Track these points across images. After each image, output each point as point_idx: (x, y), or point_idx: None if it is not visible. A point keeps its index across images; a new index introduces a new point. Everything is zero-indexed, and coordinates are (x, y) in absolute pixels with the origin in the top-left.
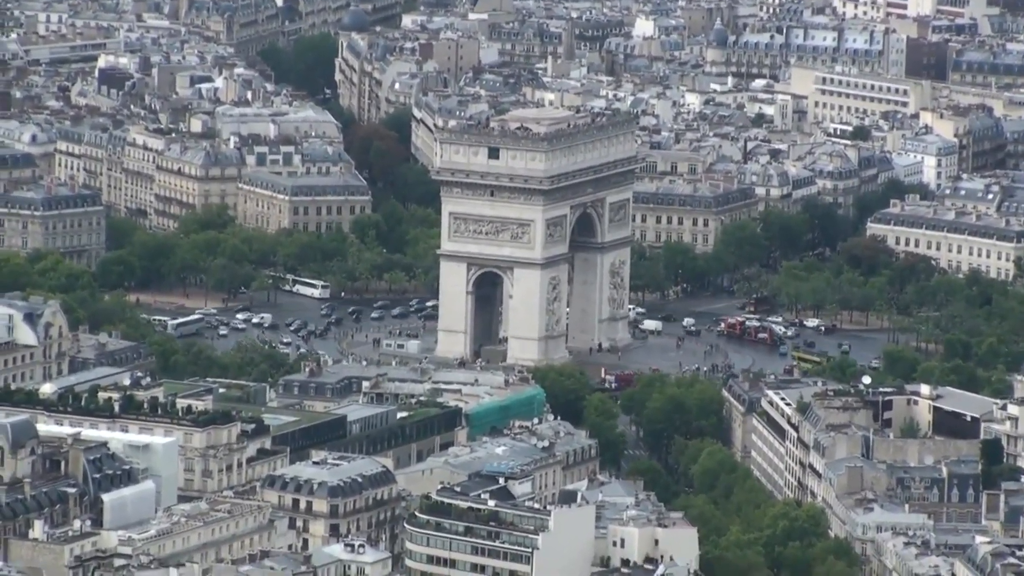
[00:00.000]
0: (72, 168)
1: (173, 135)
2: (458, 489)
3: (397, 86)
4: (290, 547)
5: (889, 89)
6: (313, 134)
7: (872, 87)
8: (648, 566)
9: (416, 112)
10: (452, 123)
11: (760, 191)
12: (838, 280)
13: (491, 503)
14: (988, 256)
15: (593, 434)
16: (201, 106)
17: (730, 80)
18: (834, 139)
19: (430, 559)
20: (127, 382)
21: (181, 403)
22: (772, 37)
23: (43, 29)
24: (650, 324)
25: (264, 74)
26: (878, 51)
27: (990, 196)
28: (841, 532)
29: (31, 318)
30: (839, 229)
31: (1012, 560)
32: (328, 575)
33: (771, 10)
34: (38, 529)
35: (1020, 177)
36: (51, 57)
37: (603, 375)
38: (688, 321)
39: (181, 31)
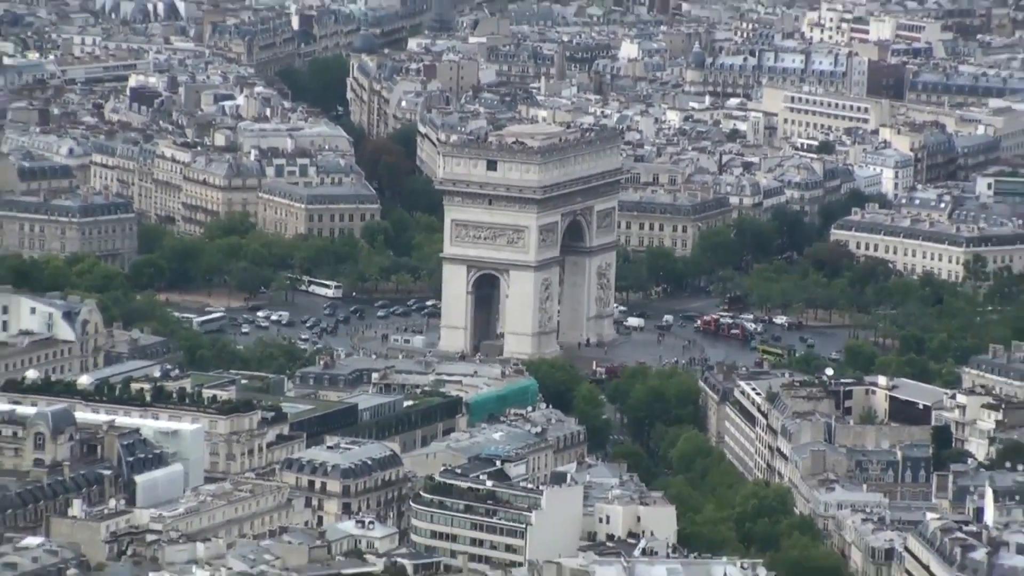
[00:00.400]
0: (106, 179)
1: (198, 148)
2: (459, 471)
3: (403, 104)
4: (306, 524)
5: (851, 107)
6: (327, 148)
7: (836, 105)
8: (631, 540)
9: (421, 128)
10: (453, 138)
11: (734, 200)
12: (804, 281)
13: (489, 483)
14: (940, 260)
15: (581, 421)
16: (224, 122)
17: (707, 99)
18: (801, 153)
19: (433, 534)
20: (157, 374)
21: (207, 393)
22: (745, 59)
23: (79, 51)
24: (633, 321)
25: (282, 92)
26: (842, 72)
27: (942, 205)
28: (805, 509)
29: (69, 316)
30: (805, 235)
31: (959, 534)
32: (341, 549)
33: (745, 35)
34: (76, 508)
35: (969, 188)
36: (86, 77)
37: (595, 367)
38: (668, 318)
39: (205, 53)
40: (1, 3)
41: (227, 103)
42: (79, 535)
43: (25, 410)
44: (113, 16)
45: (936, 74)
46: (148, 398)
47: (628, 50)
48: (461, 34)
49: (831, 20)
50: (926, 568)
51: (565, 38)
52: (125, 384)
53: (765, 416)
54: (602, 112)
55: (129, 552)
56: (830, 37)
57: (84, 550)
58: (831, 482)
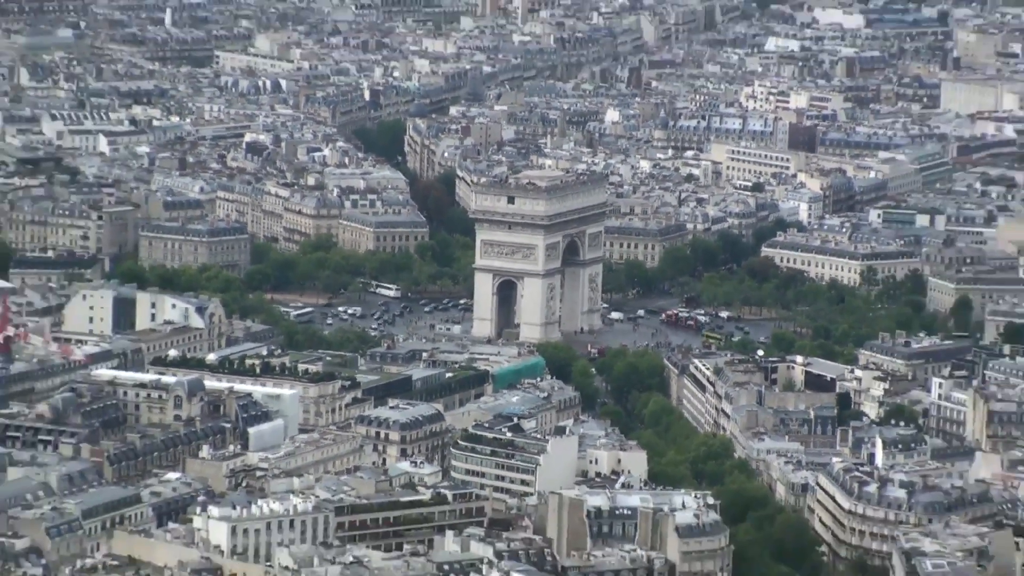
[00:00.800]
0: (227, 209)
1: (295, 187)
2: (486, 425)
3: (446, 154)
4: (373, 464)
5: (777, 158)
6: (389, 187)
7: (765, 156)
8: (613, 476)
9: (459, 172)
10: (482, 180)
11: (689, 226)
12: (741, 286)
13: (508, 434)
14: (842, 270)
15: (577, 388)
16: (314, 168)
17: (669, 151)
18: (739, 191)
19: (467, 472)
20: (264, 353)
21: (300, 367)
22: (698, 122)
23: (208, 115)
24: (615, 315)
25: (356, 146)
26: (770, 132)
27: (843, 229)
28: (742, 454)
29: (200, 310)
30: (742, 252)
31: (856, 473)
32: (398, 483)
33: (697, 104)
34: (205, 451)
35: (864, 217)
36: (213, 134)
37: (589, 349)
38: (640, 313)
39: (300, 117)
40: (150, 80)
41: (316, 154)
42: (207, 471)
43: (168, 379)
44: (233, 90)
45: (839, 133)
46: (258, 370)
47: (611, 115)
48: (489, 104)
49: (762, 93)
50: (832, 498)
51: (565, 106)
52: (241, 360)
53: (712, 385)
54: (592, 161)
55: (244, 484)
56: (761, 106)
57: (210, 482)
58: (761, 434)
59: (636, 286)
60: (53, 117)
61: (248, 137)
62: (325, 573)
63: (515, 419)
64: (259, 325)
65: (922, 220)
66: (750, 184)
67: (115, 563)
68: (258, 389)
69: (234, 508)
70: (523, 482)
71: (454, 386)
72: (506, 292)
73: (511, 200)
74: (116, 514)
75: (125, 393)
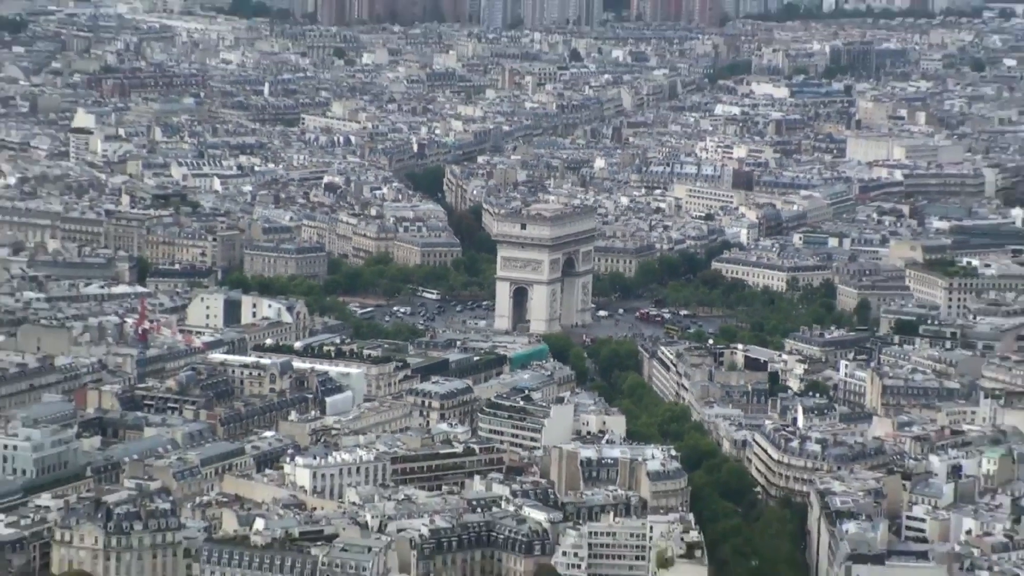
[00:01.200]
0: (310, 233)
1: (361, 216)
2: (505, 396)
3: (475, 192)
4: (419, 425)
5: (723, 195)
6: (432, 217)
7: (715, 194)
8: (600, 434)
9: (484, 205)
10: (502, 211)
11: (658, 246)
12: (697, 291)
13: (521, 403)
14: (772, 279)
15: (572, 368)
16: (375, 202)
17: (643, 190)
18: (695, 220)
19: (490, 431)
20: (337, 341)
21: (364, 352)
22: (664, 168)
23: (295, 163)
24: (601, 313)
25: (407, 186)
26: (718, 175)
27: (773, 249)
28: (697, 418)
29: (289, 309)
30: (698, 266)
31: (783, 432)
32: (439, 440)
33: (664, 154)
34: (292, 415)
35: (789, 240)
36: (299, 177)
37: (583, 338)
38: (620, 311)
39: (365, 164)
40: (252, 136)
41: (376, 191)
42: (294, 431)
43: (264, 361)
44: (315, 143)
45: (770, 176)
46: (332, 354)
47: (599, 163)
48: (507, 154)
49: (712, 146)
50: (764, 451)
51: (564, 156)
52: (320, 347)
53: (675, 366)
54: (584, 197)
55: (321, 440)
56: (711, 156)
57: (296, 439)
58: (711, 403)
59: (617, 291)
60: (179, 164)
61: (326, 179)
62: (383, 507)
63: (526, 391)
64: (333, 320)
65: (832, 242)
66: (703, 215)
67: (224, 499)
68: (332, 368)
69: (314, 458)
70: (532, 439)
71: (480, 367)
72: (519, 296)
73: (523, 226)
74: (226, 462)
75: (232, 371)
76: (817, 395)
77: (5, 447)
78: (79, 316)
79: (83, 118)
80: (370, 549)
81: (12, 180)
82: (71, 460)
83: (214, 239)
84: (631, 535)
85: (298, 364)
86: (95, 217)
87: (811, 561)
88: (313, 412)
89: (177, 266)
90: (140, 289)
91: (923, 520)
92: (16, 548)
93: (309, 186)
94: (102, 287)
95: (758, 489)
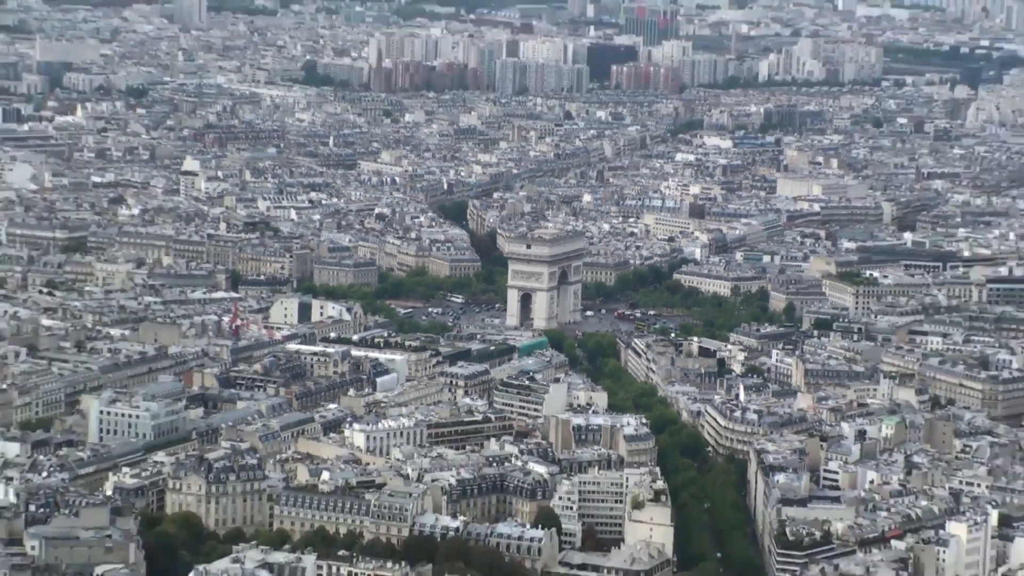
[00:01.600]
0: (365, 252)
1: (404, 239)
2: (515, 377)
3: (491, 220)
4: (448, 400)
5: (683, 223)
6: (458, 239)
7: (676, 222)
8: (587, 406)
9: (499, 230)
10: (512, 235)
11: (632, 261)
12: (662, 296)
13: (527, 382)
14: (720, 288)
15: (566, 356)
16: (414, 227)
17: (620, 219)
18: (661, 242)
19: (503, 404)
20: (385, 335)
21: (407, 343)
22: (637, 202)
23: (353, 198)
24: (588, 313)
25: (439, 216)
26: (679, 207)
27: (720, 264)
28: (663, 394)
29: (349, 310)
30: (663, 277)
31: (728, 405)
32: (463, 410)
33: (636, 192)
34: (351, 392)
35: (733, 257)
36: (356, 209)
37: (576, 333)
38: (603, 312)
39: (407, 199)
40: (320, 177)
41: (415, 220)
42: (352, 404)
43: (329, 350)
44: (368, 183)
45: (718, 209)
46: (381, 345)
47: (587, 198)
48: (516, 191)
49: (674, 185)
50: (714, 419)
51: (560, 193)
52: (372, 338)
53: (645, 354)
54: (576, 224)
55: (373, 411)
56: (673, 192)
57: (354, 410)
58: (673, 382)
59: (600, 297)
60: (264, 198)
61: (376, 210)
62: (420, 463)
63: (530, 374)
64: (382, 319)
65: (766, 258)
66: (667, 238)
67: (298, 457)
68: (381, 356)
69: (368, 425)
70: (535, 410)
71: (495, 354)
72: (525, 300)
73: (528, 247)
74: (299, 428)
75: (304, 358)
76: (755, 376)
77: (130, 416)
78: (186, 315)
79: (190, 163)
80: (411, 495)
81: (136, 211)
82: (180, 426)
83: (291, 256)
84: (611, 484)
85: (355, 352)
86: (199, 239)
87: (750, 504)
88: (366, 389)
89: (262, 277)
90: (233, 295)
91: (836, 473)
92: (138, 494)
93: (364, 216)
94: (204, 293)
95: (709, 448)
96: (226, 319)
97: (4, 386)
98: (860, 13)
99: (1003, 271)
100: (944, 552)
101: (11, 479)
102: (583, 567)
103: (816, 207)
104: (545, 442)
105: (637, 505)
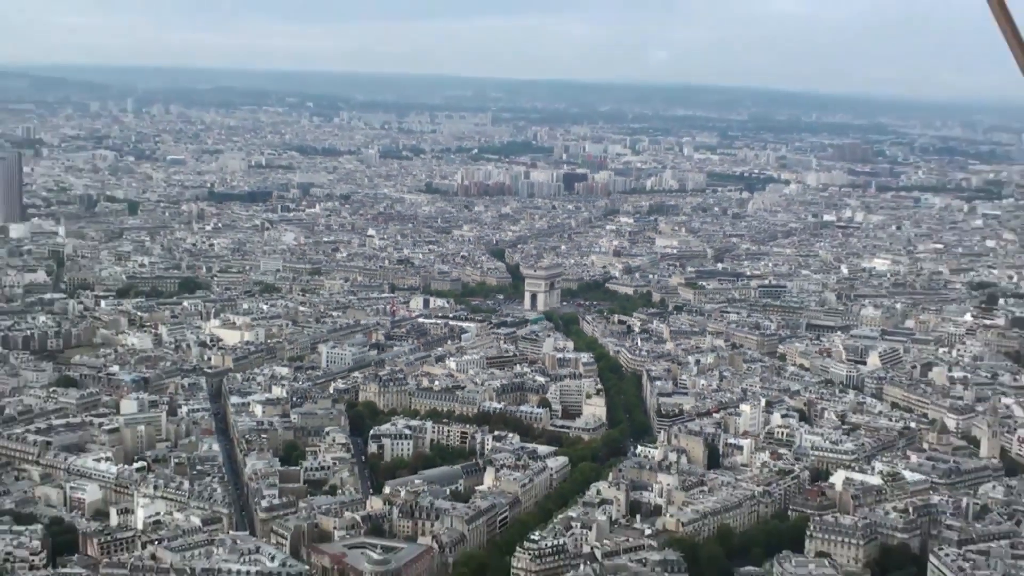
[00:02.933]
0: (458, 274)
1: (474, 268)
2: (528, 334)
3: (516, 258)
4: (496, 345)
5: (610, 259)
6: (501, 268)
7: (607, 258)
8: (564, 349)
9: (521, 263)
10: (527, 265)
11: (585, 278)
12: (599, 295)
13: (535, 336)
14: (628, 291)
15: (553, 324)
16: (479, 262)
17: (580, 257)
18: (599, 268)
19: (523, 347)
20: (464, 314)
21: (475, 318)
22: (588, 249)
23: (449, 248)
24: (564, 303)
25: (491, 255)
26: (608, 251)
27: (629, 280)
28: (601, 343)
29: (448, 302)
30: (600, 286)
31: (623, 348)
32: (503, 351)
33: (587, 244)
34: (449, 342)
35: (635, 277)
36: (452, 253)
37: (559, 313)
38: (571, 303)
39: (475, 247)
40: (430, 237)
41: (479, 257)
42: (449, 348)
43: (437, 321)
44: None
45: (627, 252)
46: (464, 318)
47: (563, 248)
48: (528, 244)
49: (606, 241)
50: (626, 354)
51: (550, 245)
52: (458, 316)
53: (591, 323)
54: (558, 260)
55: (459, 352)
56: (605, 244)
57: (450, 351)
58: (606, 336)
59: (570, 296)
60: (406, 248)
61: (461, 253)
62: (483, 376)
63: (536, 333)
64: (463, 307)
65: (651, 276)
66: (603, 266)
67: (423, 374)
68: (465, 324)
69: (459, 357)
70: (538, 350)
71: (519, 323)
72: (533, 298)
73: (535, 271)
74: (424, 358)
75: (426, 326)
76: (645, 335)
77: (342, 354)
78: (370, 304)
79: (370, 231)
80: (478, 392)
81: (344, 253)
82: (366, 359)
83: (419, 276)
84: (576, 386)
85: (451, 323)
86: (374, 267)
87: (644, 396)
88: (457, 341)
89: (406, 286)
90: (391, 295)
91: (685, 379)
92: (345, 392)
93: (454, 255)
94: (378, 294)
95: (623, 368)
96: (388, 307)
97: (286, 343)
98: (696, 156)
99: (766, 282)
100: (739, 420)
101: (284, 384)
102: (563, 427)
103: (675, 251)
104: (543, 366)
105: (588, 396)
